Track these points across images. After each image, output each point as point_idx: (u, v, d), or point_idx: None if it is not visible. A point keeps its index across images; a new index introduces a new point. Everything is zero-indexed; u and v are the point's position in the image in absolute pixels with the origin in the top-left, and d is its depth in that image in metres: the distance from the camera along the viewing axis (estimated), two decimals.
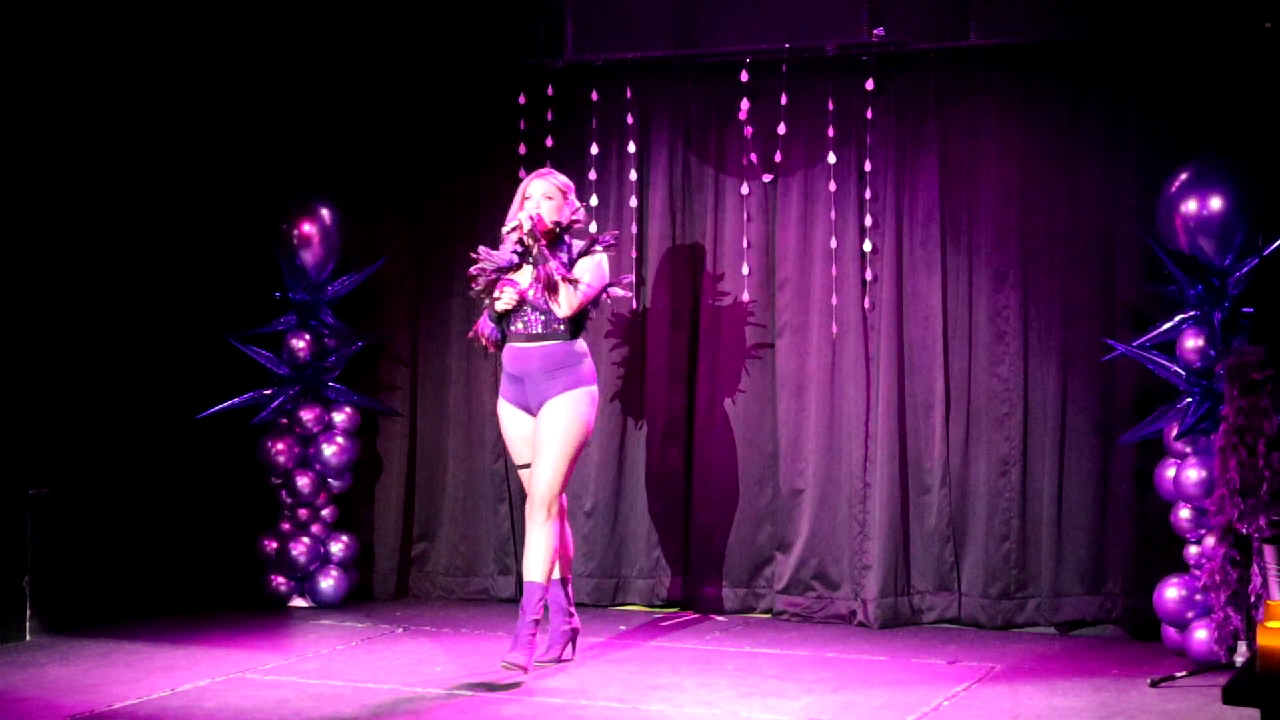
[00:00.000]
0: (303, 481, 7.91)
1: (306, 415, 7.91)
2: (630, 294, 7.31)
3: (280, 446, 7.90)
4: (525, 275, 6.52)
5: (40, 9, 7.21)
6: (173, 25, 7.76)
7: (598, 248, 6.58)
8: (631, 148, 7.80)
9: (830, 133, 7.49)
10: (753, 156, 7.67)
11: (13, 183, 7.13)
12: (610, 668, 6.65)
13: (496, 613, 7.71)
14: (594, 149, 7.81)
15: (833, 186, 7.51)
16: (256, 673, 6.50)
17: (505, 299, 6.49)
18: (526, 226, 6.44)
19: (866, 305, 7.51)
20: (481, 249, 6.60)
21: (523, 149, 7.83)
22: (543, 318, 6.49)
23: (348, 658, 6.82)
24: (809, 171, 7.62)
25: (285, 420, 7.93)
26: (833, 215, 7.53)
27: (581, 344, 6.57)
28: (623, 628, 7.45)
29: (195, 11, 7.82)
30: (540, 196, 6.55)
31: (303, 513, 7.95)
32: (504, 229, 6.58)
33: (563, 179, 6.64)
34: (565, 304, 6.43)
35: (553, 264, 6.41)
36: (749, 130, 7.62)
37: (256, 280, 8.00)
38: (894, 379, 7.49)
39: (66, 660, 6.69)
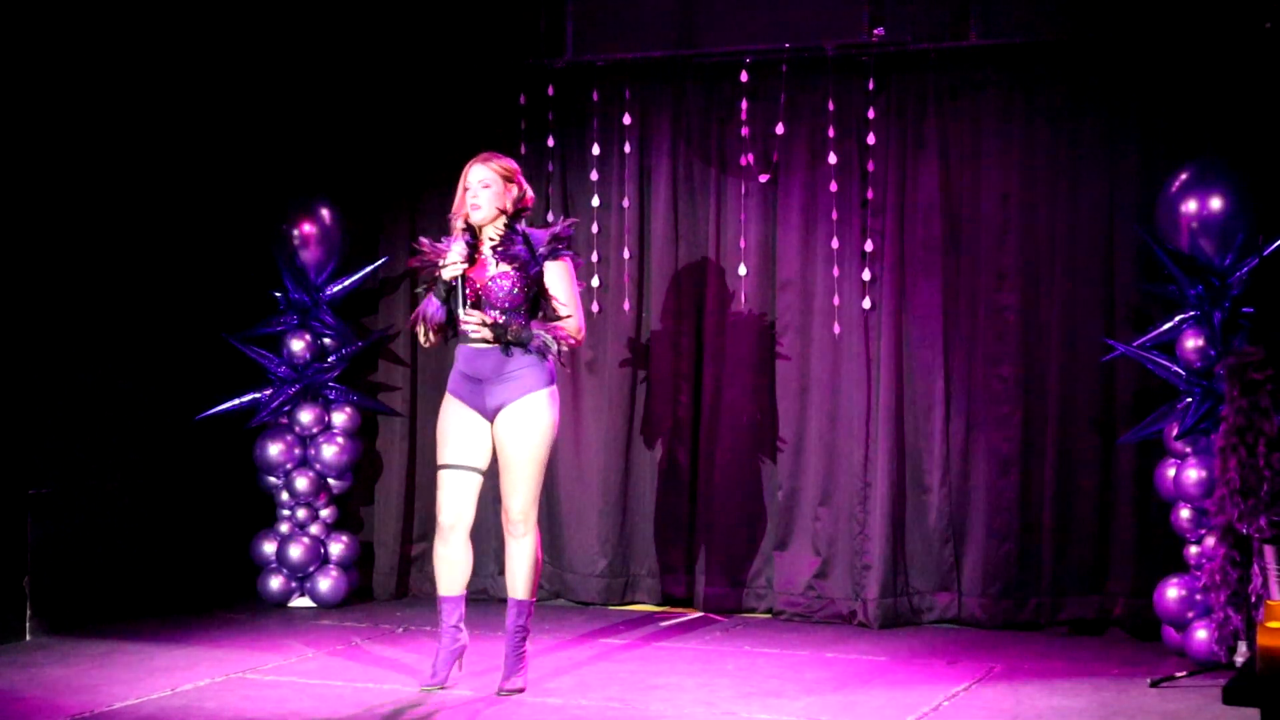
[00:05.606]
0: (302, 482, 7.91)
1: (306, 415, 7.90)
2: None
3: (280, 446, 7.89)
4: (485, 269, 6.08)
5: (41, 9, 7.21)
6: (173, 25, 7.76)
7: (562, 253, 6.07)
8: (630, 148, 7.80)
9: (831, 133, 7.48)
10: (752, 157, 7.67)
11: (13, 183, 7.13)
12: (610, 668, 6.65)
13: (496, 612, 7.66)
14: (595, 149, 7.80)
15: (833, 187, 7.51)
16: (256, 673, 6.49)
17: (451, 268, 5.96)
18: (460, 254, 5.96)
19: (867, 305, 7.50)
20: (423, 240, 6.20)
21: (523, 149, 7.82)
22: (501, 316, 6.02)
23: (348, 658, 6.81)
24: (810, 172, 7.62)
25: (285, 420, 7.93)
26: (834, 215, 7.53)
27: None
28: (622, 627, 7.46)
29: (195, 11, 7.81)
30: (478, 185, 6.02)
31: (302, 513, 7.95)
32: (452, 218, 6.12)
33: (506, 162, 6.08)
34: (575, 341, 6.10)
35: (549, 339, 5.99)
36: (748, 130, 7.62)
37: (256, 280, 8.01)
38: (894, 379, 7.49)
39: (66, 660, 6.69)
